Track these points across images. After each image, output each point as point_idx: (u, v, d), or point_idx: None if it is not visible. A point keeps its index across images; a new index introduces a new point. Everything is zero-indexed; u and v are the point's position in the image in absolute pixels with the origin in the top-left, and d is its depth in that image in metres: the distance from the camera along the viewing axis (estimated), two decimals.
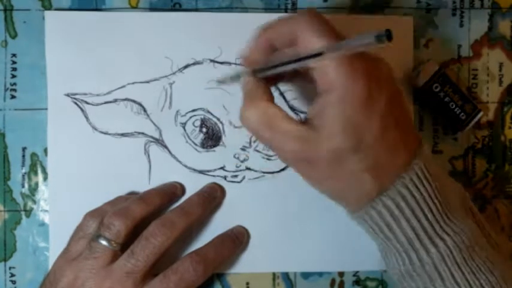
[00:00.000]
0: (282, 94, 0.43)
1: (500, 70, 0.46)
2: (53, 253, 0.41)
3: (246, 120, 0.34)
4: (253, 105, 0.34)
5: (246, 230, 0.43)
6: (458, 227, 0.34)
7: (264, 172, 0.43)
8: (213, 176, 0.43)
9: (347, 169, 0.33)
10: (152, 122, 0.43)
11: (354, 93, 0.31)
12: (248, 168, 0.43)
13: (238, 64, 0.43)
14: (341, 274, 0.44)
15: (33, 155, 0.42)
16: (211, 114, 0.43)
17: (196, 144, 0.43)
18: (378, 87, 0.32)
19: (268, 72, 0.34)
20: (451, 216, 0.34)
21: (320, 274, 0.43)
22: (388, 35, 0.26)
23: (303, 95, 0.43)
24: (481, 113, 0.44)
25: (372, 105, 0.32)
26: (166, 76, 0.43)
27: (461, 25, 0.45)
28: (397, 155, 0.33)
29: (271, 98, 0.34)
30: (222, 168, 0.43)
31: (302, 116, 0.43)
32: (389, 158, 0.33)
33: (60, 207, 0.42)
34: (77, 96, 0.42)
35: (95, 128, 0.42)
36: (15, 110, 0.42)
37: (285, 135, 0.33)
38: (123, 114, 0.42)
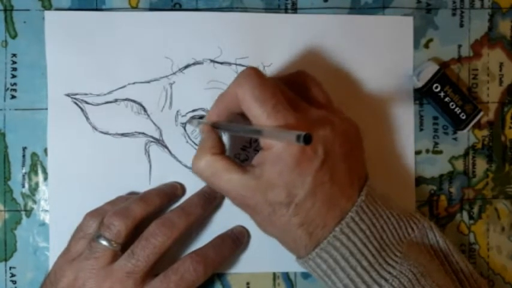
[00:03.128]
0: None
1: (500, 70, 0.46)
2: (53, 253, 0.41)
3: (196, 170, 0.37)
4: (201, 157, 0.36)
5: (247, 230, 0.43)
6: (397, 270, 0.35)
7: None
8: None
9: (282, 221, 0.35)
10: (152, 122, 0.43)
11: (288, 153, 0.34)
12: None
13: (239, 64, 0.43)
14: None
15: (34, 155, 0.42)
16: None
17: (196, 144, 0.43)
18: (313, 147, 0.34)
19: (223, 131, 0.38)
20: (389, 259, 0.36)
21: None
22: (306, 139, 0.29)
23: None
24: (481, 113, 0.44)
25: (305, 164, 0.34)
26: (166, 76, 0.43)
27: (461, 25, 0.45)
28: (332, 208, 0.35)
29: (219, 151, 0.36)
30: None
31: None
32: (323, 212, 0.35)
33: (60, 207, 0.42)
34: (77, 96, 0.42)
35: (95, 128, 0.42)
36: (16, 110, 0.42)
37: (229, 184, 0.35)
38: (123, 114, 0.42)
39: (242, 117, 0.37)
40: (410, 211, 0.40)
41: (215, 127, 0.38)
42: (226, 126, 0.38)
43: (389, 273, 0.35)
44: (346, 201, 0.36)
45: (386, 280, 0.35)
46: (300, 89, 0.39)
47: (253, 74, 0.35)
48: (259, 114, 0.34)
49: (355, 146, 0.38)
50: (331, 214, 0.35)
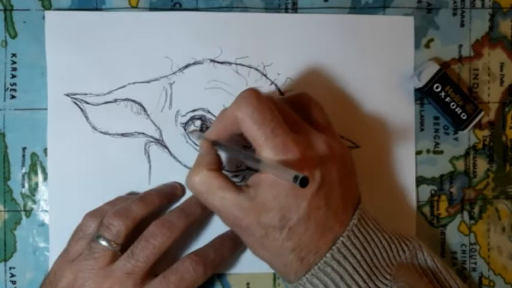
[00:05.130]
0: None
1: (501, 70, 0.45)
2: (53, 253, 0.41)
3: (191, 185, 0.36)
4: (197, 172, 0.36)
5: None
6: None
7: None
8: None
9: (275, 245, 0.35)
10: (152, 122, 0.43)
11: None
12: (248, 168, 0.43)
13: (239, 64, 0.43)
14: None
15: (33, 155, 0.42)
16: (212, 114, 0.43)
17: (196, 145, 0.43)
18: (310, 171, 0.34)
19: (222, 151, 0.37)
20: (379, 282, 0.36)
21: None
22: (303, 182, 0.30)
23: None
24: (482, 113, 0.44)
25: (301, 189, 0.33)
26: (166, 76, 0.43)
27: (462, 25, 0.45)
28: (325, 233, 0.35)
29: (216, 167, 0.36)
30: (223, 168, 0.42)
31: None
32: (316, 237, 0.35)
33: (60, 208, 0.42)
34: (76, 96, 0.42)
35: (95, 128, 0.42)
36: (15, 110, 0.42)
37: (223, 202, 0.35)
38: (123, 114, 0.42)
39: (242, 137, 0.37)
40: (409, 215, 0.39)
41: (215, 144, 0.37)
42: (226, 148, 0.37)
43: None
44: (339, 226, 0.36)
45: None
46: (300, 111, 0.38)
47: (253, 96, 0.35)
48: (258, 136, 0.34)
49: (351, 170, 0.38)
50: (324, 239, 0.35)
